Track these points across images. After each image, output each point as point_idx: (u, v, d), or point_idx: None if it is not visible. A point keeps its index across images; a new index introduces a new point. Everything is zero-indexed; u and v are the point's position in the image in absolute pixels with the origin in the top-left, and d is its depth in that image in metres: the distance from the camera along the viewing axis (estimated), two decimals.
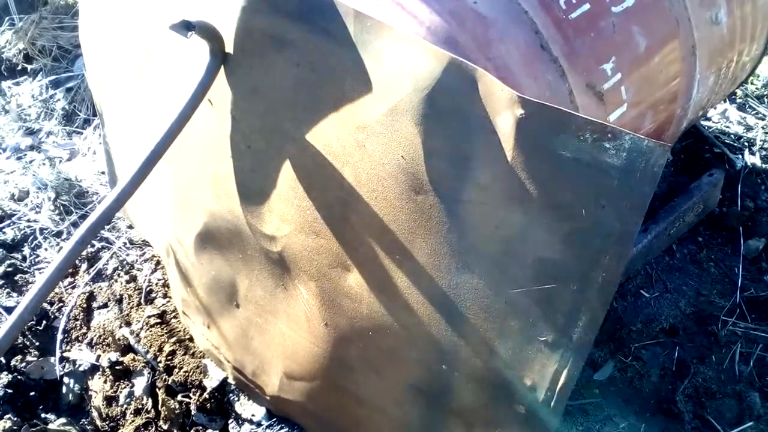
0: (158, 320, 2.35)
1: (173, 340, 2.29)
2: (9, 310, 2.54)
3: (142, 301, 2.44)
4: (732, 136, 3.10)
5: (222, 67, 1.68)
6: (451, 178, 1.40)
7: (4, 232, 2.81)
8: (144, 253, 2.63)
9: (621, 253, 1.27)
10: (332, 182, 1.58)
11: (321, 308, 1.74)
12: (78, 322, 2.50)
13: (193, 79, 1.65)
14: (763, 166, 2.91)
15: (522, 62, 1.75)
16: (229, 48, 1.65)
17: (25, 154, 3.17)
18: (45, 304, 2.55)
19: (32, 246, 2.78)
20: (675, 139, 2.32)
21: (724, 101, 3.29)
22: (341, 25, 1.46)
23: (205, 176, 1.88)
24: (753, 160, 2.93)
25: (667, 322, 2.41)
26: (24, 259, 2.73)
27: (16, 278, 2.65)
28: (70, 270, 2.65)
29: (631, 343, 2.37)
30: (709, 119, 3.21)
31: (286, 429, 2.07)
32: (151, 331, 2.33)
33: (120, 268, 2.60)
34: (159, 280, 2.50)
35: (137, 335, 2.34)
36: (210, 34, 1.58)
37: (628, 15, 1.92)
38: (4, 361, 2.39)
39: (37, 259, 2.72)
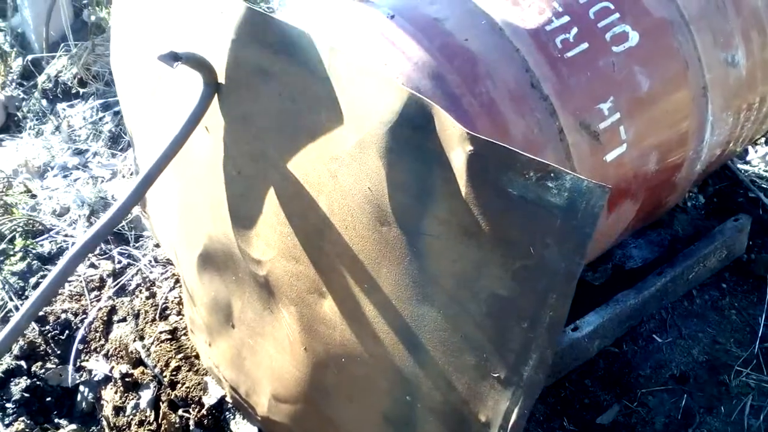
0: (169, 336, 2.43)
1: (180, 356, 2.36)
2: (37, 319, 2.67)
3: (157, 317, 2.53)
4: None
5: (216, 95, 1.75)
6: (412, 210, 1.43)
7: (42, 245, 2.96)
8: (166, 271, 2.73)
9: (566, 293, 1.26)
10: (309, 210, 1.62)
11: (301, 333, 1.78)
12: (98, 334, 2.61)
13: (188, 107, 1.73)
14: None
15: (509, 99, 1.77)
16: (222, 78, 1.72)
17: (71, 173, 3.34)
18: (69, 315, 2.67)
19: None
20: (690, 181, 2.27)
21: (766, 144, 3.19)
22: (317, 58, 1.51)
23: (205, 200, 1.95)
24: None
25: (677, 368, 2.34)
26: (74, 270, 2.86)
27: None
28: (97, 284, 2.78)
29: (639, 388, 2.31)
30: (747, 162, 3.12)
31: None
32: (160, 346, 2.41)
33: (142, 284, 2.71)
34: (175, 297, 2.59)
35: (148, 349, 2.43)
36: (199, 64, 1.66)
37: (630, 54, 1.91)
38: (25, 366, 2.51)
39: None
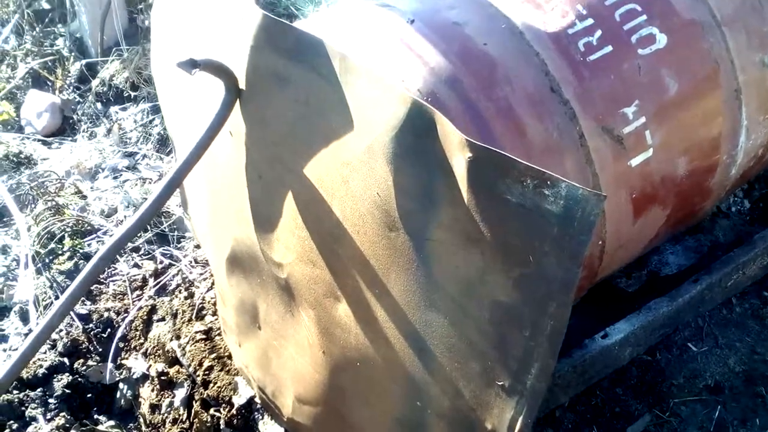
0: (203, 336, 2.49)
1: (213, 356, 2.42)
2: (81, 317, 2.77)
3: (194, 317, 2.59)
4: None
5: (239, 101, 1.79)
6: (418, 216, 1.43)
7: (89, 245, 3.06)
8: (205, 272, 2.80)
9: (565, 302, 1.25)
10: (324, 215, 1.64)
11: (319, 336, 1.80)
12: (138, 333, 2.69)
13: (211, 112, 1.78)
14: None
15: (527, 103, 1.75)
16: (243, 84, 1.76)
17: (121, 174, 3.45)
18: (112, 314, 2.76)
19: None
20: (725, 186, 2.20)
21: None
22: (329, 64, 1.53)
23: (231, 203, 2.00)
24: None
25: (712, 378, 2.29)
26: (102, 271, 2.96)
27: (91, 288, 2.88)
28: (139, 284, 2.86)
29: (671, 397, 2.26)
30: None
31: None
32: (195, 345, 2.47)
33: (182, 284, 2.77)
34: (212, 298, 2.64)
35: (183, 349, 2.49)
36: (219, 70, 1.69)
37: (657, 57, 1.87)
38: (67, 363, 2.61)
39: (113, 272, 2.95)
